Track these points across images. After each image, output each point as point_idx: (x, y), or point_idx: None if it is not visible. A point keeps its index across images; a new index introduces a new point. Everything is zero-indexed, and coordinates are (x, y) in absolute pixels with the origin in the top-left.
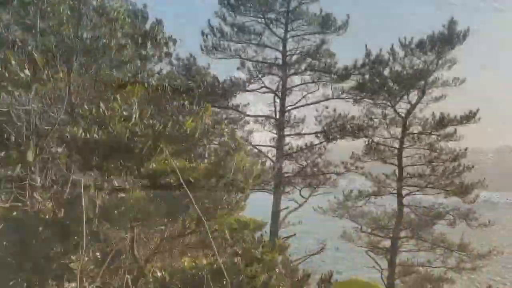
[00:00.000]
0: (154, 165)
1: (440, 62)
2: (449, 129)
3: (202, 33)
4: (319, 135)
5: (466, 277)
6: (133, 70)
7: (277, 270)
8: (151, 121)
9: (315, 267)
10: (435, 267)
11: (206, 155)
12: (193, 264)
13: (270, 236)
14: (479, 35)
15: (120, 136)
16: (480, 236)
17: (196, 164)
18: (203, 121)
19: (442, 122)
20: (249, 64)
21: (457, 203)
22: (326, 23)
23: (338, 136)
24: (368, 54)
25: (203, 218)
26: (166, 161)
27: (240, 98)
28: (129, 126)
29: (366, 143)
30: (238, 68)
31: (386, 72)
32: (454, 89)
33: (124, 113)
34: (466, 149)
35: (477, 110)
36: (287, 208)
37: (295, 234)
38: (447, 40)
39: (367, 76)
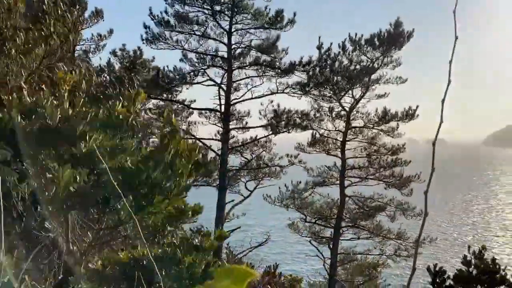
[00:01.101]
0: (85, 150)
1: (385, 60)
2: (391, 124)
3: (144, 25)
4: (264, 128)
5: (403, 263)
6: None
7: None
8: (84, 108)
9: (261, 258)
10: (375, 255)
11: (142, 141)
12: (131, 255)
13: (215, 230)
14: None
15: (51, 120)
16: (416, 225)
17: (130, 149)
18: (136, 106)
19: (384, 117)
20: (192, 56)
21: (395, 193)
22: (272, 18)
23: (283, 130)
24: (319, 47)
25: (138, 205)
26: (99, 147)
27: (184, 91)
28: (60, 111)
29: (311, 135)
30: (181, 60)
31: (335, 66)
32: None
33: (54, 101)
34: (404, 145)
35: (417, 107)
36: (232, 201)
37: (240, 227)
38: (393, 39)
39: (316, 71)
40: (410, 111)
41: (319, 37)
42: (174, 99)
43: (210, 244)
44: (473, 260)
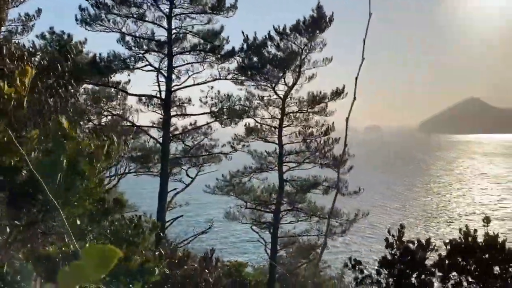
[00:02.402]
0: None
1: (311, 44)
2: (322, 105)
3: (80, 8)
4: (206, 115)
5: (340, 240)
6: None
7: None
8: None
9: (204, 246)
10: (312, 236)
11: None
12: (58, 250)
13: (157, 219)
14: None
15: None
16: (350, 203)
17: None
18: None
19: (315, 99)
20: (130, 39)
21: (330, 173)
22: (213, 3)
23: (224, 117)
24: (246, 39)
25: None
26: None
27: (121, 76)
28: None
29: (246, 125)
30: (118, 42)
31: (265, 55)
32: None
33: None
34: (333, 123)
35: (344, 87)
36: (174, 189)
37: (182, 216)
38: (316, 24)
39: (251, 58)
40: (339, 90)
41: (242, 32)
42: (110, 84)
43: (144, 238)
44: (394, 243)
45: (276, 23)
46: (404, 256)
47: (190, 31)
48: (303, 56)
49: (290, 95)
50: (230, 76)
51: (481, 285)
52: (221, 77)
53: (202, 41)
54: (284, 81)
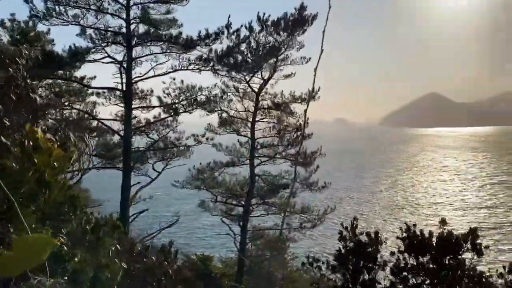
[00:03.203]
0: None
1: (291, 42)
2: (294, 104)
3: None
4: (169, 108)
5: (308, 234)
6: None
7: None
8: None
9: (171, 240)
10: (282, 229)
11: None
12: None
13: (121, 213)
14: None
15: None
16: (319, 198)
17: None
18: None
19: (289, 98)
20: (91, 32)
21: (301, 170)
22: None
23: (189, 109)
24: (228, 26)
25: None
26: None
27: (82, 69)
28: None
29: (219, 116)
30: (78, 35)
31: (242, 47)
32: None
33: None
34: (307, 119)
35: (319, 89)
36: (138, 183)
37: (147, 209)
38: (298, 22)
39: (219, 50)
40: (313, 92)
41: (229, 16)
42: (71, 78)
43: (103, 239)
44: (347, 235)
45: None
46: (357, 250)
47: (148, 21)
48: (280, 52)
49: (265, 90)
50: (192, 66)
51: (435, 280)
52: (182, 68)
53: (162, 31)
54: (261, 75)
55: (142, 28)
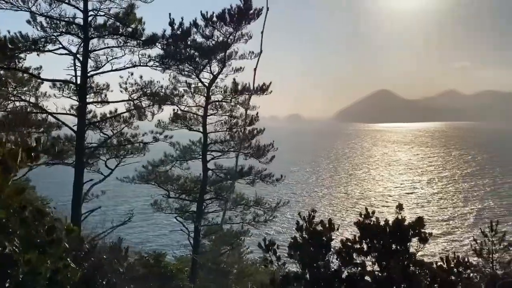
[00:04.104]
0: None
1: (237, 35)
2: (245, 96)
3: None
4: (126, 103)
5: (262, 228)
6: None
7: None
8: None
9: (123, 236)
10: (236, 223)
11: None
12: None
13: (72, 211)
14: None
15: None
16: (273, 191)
17: None
18: None
19: (239, 90)
20: (43, 20)
21: (255, 163)
22: None
23: (146, 104)
24: (172, 22)
25: None
26: None
27: (33, 59)
28: None
29: (172, 111)
30: (28, 22)
31: (190, 42)
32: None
33: None
34: (257, 114)
35: (270, 83)
36: (91, 180)
37: (100, 207)
38: (243, 14)
39: (171, 47)
40: (264, 86)
41: (170, 14)
42: (18, 68)
43: (58, 242)
44: (304, 225)
45: (203, 9)
46: (312, 238)
47: (107, 14)
48: (228, 46)
49: (216, 84)
50: (151, 63)
51: (384, 264)
52: (142, 64)
53: (120, 24)
54: (210, 70)
55: (100, 20)
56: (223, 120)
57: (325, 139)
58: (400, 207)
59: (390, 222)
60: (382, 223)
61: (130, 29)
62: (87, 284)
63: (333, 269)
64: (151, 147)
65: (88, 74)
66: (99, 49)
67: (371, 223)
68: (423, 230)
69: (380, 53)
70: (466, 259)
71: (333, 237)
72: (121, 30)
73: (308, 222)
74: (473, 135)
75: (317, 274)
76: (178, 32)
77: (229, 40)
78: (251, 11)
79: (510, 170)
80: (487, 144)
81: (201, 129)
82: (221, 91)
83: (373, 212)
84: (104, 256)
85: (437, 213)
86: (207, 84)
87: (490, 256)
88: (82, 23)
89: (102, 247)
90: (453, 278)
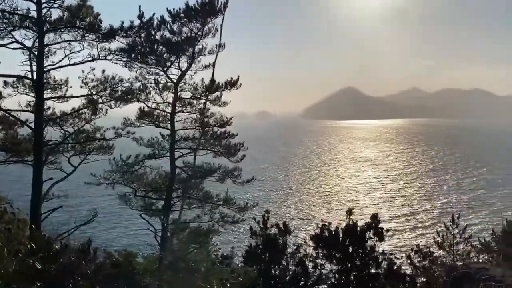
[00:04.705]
0: None
1: (205, 30)
2: (216, 93)
3: None
4: (86, 98)
5: (230, 228)
6: None
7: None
8: None
9: (91, 236)
10: (204, 222)
11: None
12: None
13: (32, 210)
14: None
15: None
16: (243, 190)
17: None
18: None
19: (210, 87)
20: None
21: (224, 161)
22: None
23: (108, 100)
24: (141, 16)
25: None
26: None
27: None
28: None
29: (139, 108)
30: None
31: (157, 37)
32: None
33: None
34: (231, 118)
35: (238, 77)
36: (51, 179)
37: (61, 206)
38: (209, 8)
39: (137, 40)
40: (233, 81)
41: (140, 6)
42: None
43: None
44: (261, 230)
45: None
46: (266, 245)
47: (60, 5)
48: (196, 42)
49: (184, 80)
50: (111, 57)
51: (343, 267)
52: (101, 57)
53: (75, 17)
54: (178, 66)
55: (55, 14)
56: (192, 118)
57: (293, 136)
58: (350, 212)
59: (343, 227)
60: (335, 229)
61: (86, 22)
62: (53, 286)
63: (289, 275)
64: (119, 145)
65: (45, 69)
66: (55, 43)
67: (326, 234)
68: (379, 226)
69: (347, 51)
70: (427, 252)
71: (289, 241)
72: (78, 23)
73: (263, 226)
74: (436, 132)
75: (273, 282)
76: (146, 26)
77: (197, 35)
78: (218, 5)
79: (471, 165)
80: (448, 140)
81: (169, 126)
82: (190, 89)
83: (329, 223)
84: (72, 258)
85: (404, 208)
86: (175, 81)
87: (452, 248)
88: (36, 16)
89: (70, 248)
90: (412, 270)
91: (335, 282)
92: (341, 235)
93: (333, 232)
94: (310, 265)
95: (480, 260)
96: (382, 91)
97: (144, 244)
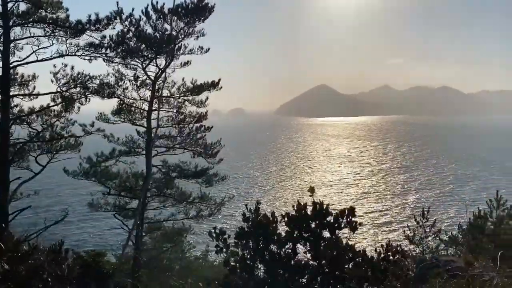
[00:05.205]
0: None
1: (189, 30)
2: (201, 96)
3: None
4: (56, 95)
5: (205, 224)
6: None
7: None
8: None
9: (61, 238)
10: (179, 220)
11: None
12: None
13: None
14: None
15: None
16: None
17: None
18: None
19: (194, 89)
20: None
21: (202, 161)
22: None
23: (79, 97)
24: (119, 12)
25: None
26: None
27: None
28: None
29: (117, 104)
30: None
31: (138, 33)
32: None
33: None
34: (206, 112)
35: (219, 80)
36: (18, 178)
37: (30, 206)
38: (197, 11)
39: (114, 36)
40: (215, 82)
41: (117, 2)
42: None
43: None
44: (251, 216)
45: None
46: (257, 229)
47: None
48: (178, 41)
49: (162, 79)
50: (81, 52)
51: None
52: (70, 53)
53: (42, 11)
54: (156, 63)
55: (22, 7)
56: (170, 115)
57: (269, 133)
58: (312, 189)
59: (316, 208)
60: (309, 212)
61: (54, 16)
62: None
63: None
64: (92, 143)
65: (11, 65)
66: (22, 38)
67: (298, 215)
68: (354, 219)
69: (321, 50)
70: (396, 245)
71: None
72: (46, 17)
73: (255, 213)
74: (407, 129)
75: (265, 260)
76: (126, 22)
77: (179, 34)
78: (207, 9)
79: (441, 161)
80: (419, 137)
81: (145, 124)
82: (168, 87)
83: (305, 205)
84: (42, 258)
85: (377, 204)
86: (153, 78)
87: (422, 242)
88: (1, 10)
89: (40, 249)
90: (382, 263)
91: (311, 267)
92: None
93: (302, 212)
94: (289, 245)
95: (449, 253)
96: (354, 89)
97: (119, 244)
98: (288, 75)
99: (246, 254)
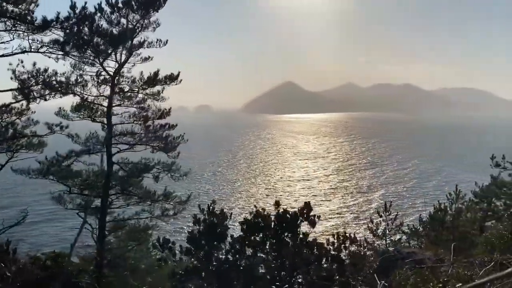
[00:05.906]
0: None
1: (145, 22)
2: (157, 88)
3: None
4: (16, 92)
5: (170, 223)
6: None
7: None
8: None
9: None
10: (143, 218)
11: None
12: None
13: None
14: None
15: None
16: (181, 186)
17: None
18: None
19: (149, 81)
20: None
21: (162, 157)
22: None
23: (40, 94)
24: (73, 7)
25: None
26: None
27: None
28: None
29: (78, 100)
30: None
31: (93, 28)
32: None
33: None
34: (170, 109)
35: (179, 73)
36: None
37: None
38: (150, 1)
39: (73, 31)
40: (173, 75)
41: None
42: None
43: None
44: (205, 217)
45: None
46: (208, 231)
47: None
48: (135, 34)
49: (121, 73)
50: (44, 49)
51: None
52: (33, 50)
53: (8, 6)
54: (115, 58)
55: None
56: (131, 112)
57: (236, 130)
58: (277, 203)
59: (276, 213)
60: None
61: (17, 10)
62: None
63: (231, 260)
64: (52, 141)
65: None
66: None
67: (256, 220)
68: (311, 214)
69: (286, 48)
70: (352, 236)
71: (229, 226)
72: (7, 12)
73: (208, 214)
74: (372, 125)
75: (215, 266)
76: (80, 16)
77: (136, 27)
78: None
79: (405, 156)
80: (383, 133)
81: (105, 121)
82: (128, 82)
83: (263, 209)
84: None
85: (345, 200)
86: (112, 73)
87: (385, 235)
88: None
89: None
90: (340, 253)
91: (272, 265)
92: (274, 222)
93: (266, 218)
94: (249, 251)
95: (412, 245)
96: (319, 86)
97: (82, 244)
98: (256, 73)
99: (195, 261)
